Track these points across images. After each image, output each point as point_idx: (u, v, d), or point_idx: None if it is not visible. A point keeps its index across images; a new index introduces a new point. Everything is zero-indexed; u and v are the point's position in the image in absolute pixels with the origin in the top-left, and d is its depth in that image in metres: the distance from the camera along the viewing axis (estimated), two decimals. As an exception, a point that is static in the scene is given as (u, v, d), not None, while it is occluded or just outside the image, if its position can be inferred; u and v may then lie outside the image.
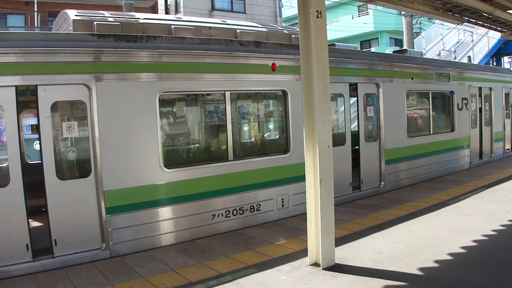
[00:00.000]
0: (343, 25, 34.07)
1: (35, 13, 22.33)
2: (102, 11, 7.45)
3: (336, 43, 10.04)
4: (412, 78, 10.66)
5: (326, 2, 5.61)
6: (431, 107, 11.44)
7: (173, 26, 7.30)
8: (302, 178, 5.64)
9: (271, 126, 9.01)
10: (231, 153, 7.34)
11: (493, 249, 5.73)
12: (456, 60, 22.12)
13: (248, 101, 8.42)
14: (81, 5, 20.56)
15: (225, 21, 8.78)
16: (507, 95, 15.03)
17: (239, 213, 7.34)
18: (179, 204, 6.75)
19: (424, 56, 15.23)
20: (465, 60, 20.63)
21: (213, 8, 23.85)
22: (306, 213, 5.47)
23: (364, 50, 26.09)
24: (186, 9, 22.87)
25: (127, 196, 6.28)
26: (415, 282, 4.81)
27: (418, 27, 32.40)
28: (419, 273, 5.01)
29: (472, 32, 25.41)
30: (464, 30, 26.25)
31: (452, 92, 12.10)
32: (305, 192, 5.45)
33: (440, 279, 4.86)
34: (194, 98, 7.60)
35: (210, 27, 7.85)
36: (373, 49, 27.80)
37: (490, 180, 10.51)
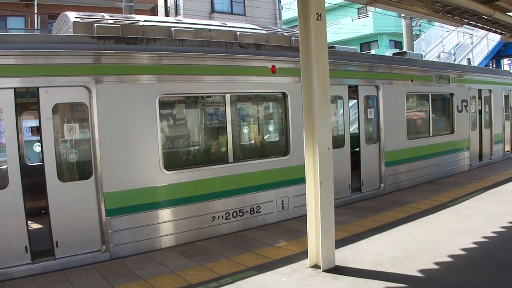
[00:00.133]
0: (343, 27, 34.13)
1: (35, 15, 22.37)
2: (102, 13, 7.47)
3: (336, 45, 10.05)
4: (412, 80, 10.67)
5: (326, 4, 5.62)
6: (430, 109, 11.45)
7: (173, 28, 7.32)
8: (302, 180, 5.64)
9: (271, 128, 9.01)
10: (231, 155, 7.34)
11: (493, 251, 5.73)
12: (456, 62, 22.15)
13: (248, 103, 8.43)
14: (81, 7, 20.56)
15: (225, 23, 8.80)
16: (506, 97, 15.05)
17: (239, 215, 7.34)
18: (179, 206, 6.75)
19: (423, 58, 15.24)
20: (464, 62, 20.66)
21: (213, 10, 23.89)
22: (306, 215, 5.47)
23: (364, 52, 26.11)
24: (186, 11, 22.91)
25: (127, 198, 6.28)
26: (416, 284, 4.80)
27: (417, 29, 32.43)
28: (419, 275, 5.01)
29: (471, 34, 25.43)
30: (463, 32, 26.27)
31: (451, 94, 12.12)
32: (305, 194, 5.45)
33: (441, 281, 4.86)
34: (194, 100, 7.61)
35: (210, 29, 7.86)
36: (372, 51, 27.76)
37: (490, 182, 10.51)
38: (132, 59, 6.41)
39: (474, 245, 5.88)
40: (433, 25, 27.99)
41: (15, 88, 5.58)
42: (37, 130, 5.88)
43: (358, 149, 9.45)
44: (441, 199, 8.82)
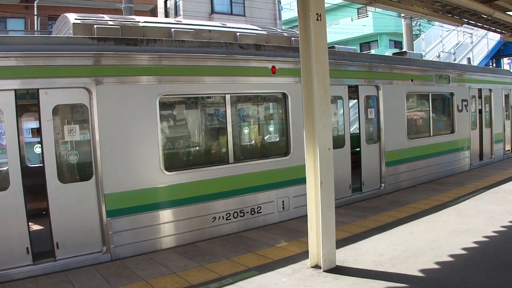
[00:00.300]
0: (343, 28, 34.15)
1: (35, 16, 22.38)
2: (102, 15, 7.47)
3: (336, 45, 10.06)
4: (412, 80, 10.67)
5: (326, 5, 5.62)
6: (431, 109, 11.45)
7: (173, 29, 7.32)
8: (302, 181, 5.64)
9: (271, 128, 9.01)
10: (232, 155, 7.34)
11: (494, 250, 5.73)
12: (456, 62, 22.15)
13: (248, 104, 8.43)
14: (81, 8, 20.61)
15: (225, 24, 8.79)
16: (507, 96, 15.05)
17: (240, 216, 7.34)
18: (180, 207, 6.76)
19: (423, 58, 15.24)
20: (464, 62, 20.66)
21: (212, 11, 23.90)
22: (306, 215, 5.47)
23: (363, 52, 26.12)
24: (185, 12, 22.93)
25: (127, 199, 6.29)
26: (416, 284, 4.80)
27: (417, 29, 32.44)
28: (420, 274, 5.01)
29: (471, 33, 25.45)
30: (463, 32, 26.29)
31: (452, 94, 12.12)
32: (306, 194, 5.45)
33: (441, 281, 4.86)
34: (194, 101, 7.62)
35: (210, 30, 7.86)
36: (372, 51, 27.78)
37: (491, 181, 10.51)
38: (132, 60, 6.41)
39: (475, 245, 5.88)
40: (433, 25, 28.02)
41: (15, 90, 5.58)
42: (37, 132, 5.88)
43: (358, 149, 9.46)
44: (441, 199, 8.81)
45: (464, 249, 5.73)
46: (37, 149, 8.57)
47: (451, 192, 9.51)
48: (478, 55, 25.47)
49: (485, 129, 13.74)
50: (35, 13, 22.34)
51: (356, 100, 9.75)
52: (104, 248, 6.07)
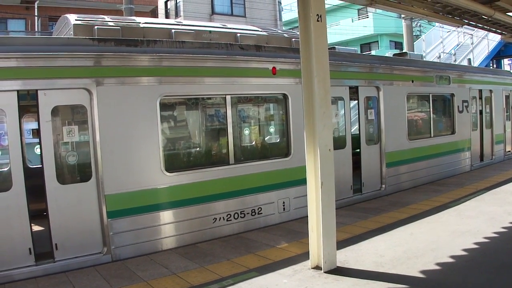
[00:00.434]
0: (343, 29, 34.17)
1: (36, 17, 22.40)
2: (102, 16, 7.48)
3: (336, 46, 10.06)
4: (413, 81, 10.67)
5: (326, 6, 5.63)
6: (431, 109, 11.45)
7: (173, 30, 7.32)
8: (303, 182, 5.64)
9: (271, 129, 9.01)
10: (232, 156, 7.34)
11: (494, 251, 5.73)
12: (456, 63, 22.15)
13: (249, 104, 8.43)
14: (81, 9, 20.64)
15: (225, 25, 8.79)
16: (507, 97, 15.04)
17: (240, 217, 7.34)
18: (180, 208, 6.75)
19: (424, 59, 15.25)
20: (465, 63, 20.67)
21: (213, 12, 23.93)
22: (307, 216, 5.47)
23: (364, 53, 26.13)
24: (186, 13, 22.96)
25: (128, 200, 6.28)
26: (417, 285, 4.80)
27: (418, 30, 32.48)
28: (421, 275, 5.00)
29: (472, 34, 25.44)
30: (464, 32, 26.28)
31: (452, 95, 12.11)
32: (306, 195, 5.45)
33: (442, 282, 4.85)
34: (194, 102, 7.62)
35: (210, 31, 7.86)
36: (373, 52, 27.80)
37: (491, 182, 10.50)
38: (133, 61, 6.41)
39: (476, 246, 5.88)
40: (433, 26, 28.01)
41: (18, 91, 5.59)
42: (37, 133, 5.89)
43: (359, 150, 9.45)
44: (442, 200, 8.81)
45: (465, 250, 5.73)
46: (38, 150, 8.56)
47: (451, 193, 9.50)
48: (479, 56, 25.47)
49: (485, 130, 13.73)
50: (36, 14, 22.35)
51: (357, 101, 9.74)
52: (104, 249, 6.07)
